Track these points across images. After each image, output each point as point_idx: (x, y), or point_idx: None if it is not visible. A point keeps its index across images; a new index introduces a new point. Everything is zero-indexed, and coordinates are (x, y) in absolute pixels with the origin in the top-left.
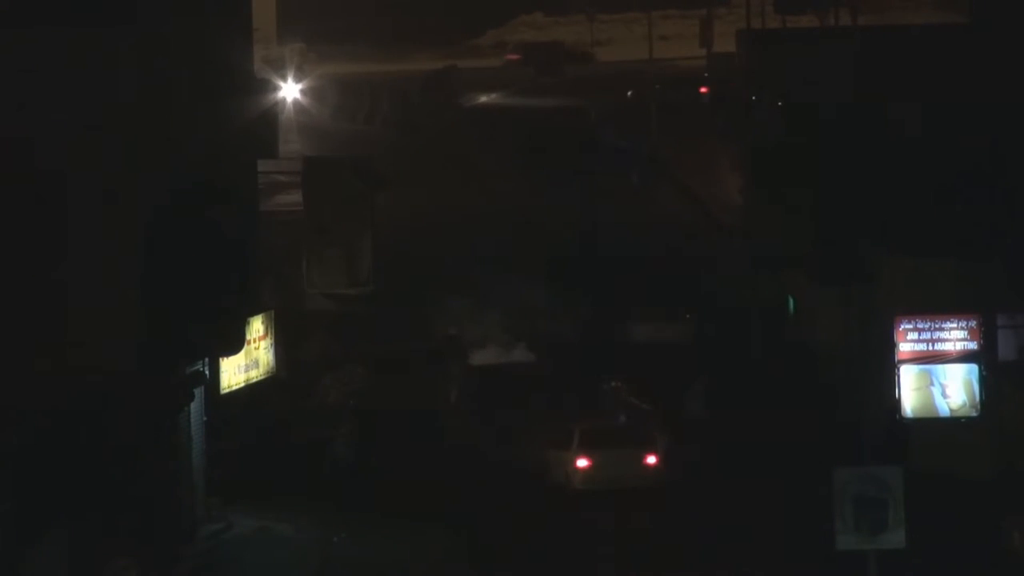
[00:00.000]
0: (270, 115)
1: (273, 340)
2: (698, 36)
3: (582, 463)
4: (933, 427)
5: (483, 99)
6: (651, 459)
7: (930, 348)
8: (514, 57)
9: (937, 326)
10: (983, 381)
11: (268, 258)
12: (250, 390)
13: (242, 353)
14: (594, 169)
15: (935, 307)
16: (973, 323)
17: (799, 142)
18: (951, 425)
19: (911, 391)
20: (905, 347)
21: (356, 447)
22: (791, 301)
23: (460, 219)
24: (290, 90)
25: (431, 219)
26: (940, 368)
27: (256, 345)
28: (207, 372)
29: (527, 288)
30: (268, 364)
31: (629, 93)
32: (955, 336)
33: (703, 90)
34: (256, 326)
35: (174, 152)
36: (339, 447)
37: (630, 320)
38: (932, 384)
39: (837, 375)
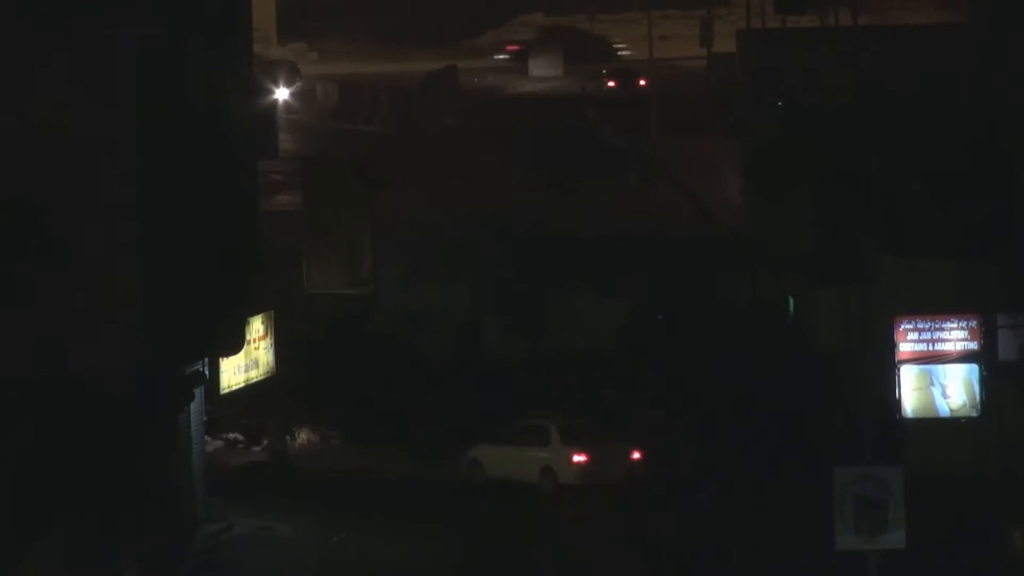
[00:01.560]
0: (269, 115)
1: (273, 340)
2: (698, 36)
3: (578, 458)
4: (933, 427)
5: (482, 99)
6: (636, 455)
7: (930, 348)
8: (513, 48)
9: (937, 326)
10: (983, 381)
11: (268, 258)
12: (249, 390)
13: (242, 353)
14: (591, 168)
15: (935, 307)
16: (973, 323)
17: (799, 142)
18: (951, 425)
19: (911, 391)
20: (905, 347)
21: (283, 443)
22: (791, 301)
23: (457, 218)
24: (289, 90)
25: (430, 218)
26: (940, 368)
27: (256, 345)
28: (207, 372)
29: (521, 285)
30: (268, 364)
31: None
32: (955, 336)
33: (611, 83)
34: (256, 326)
35: (175, 151)
36: (272, 442)
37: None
38: (932, 384)
39: (837, 375)
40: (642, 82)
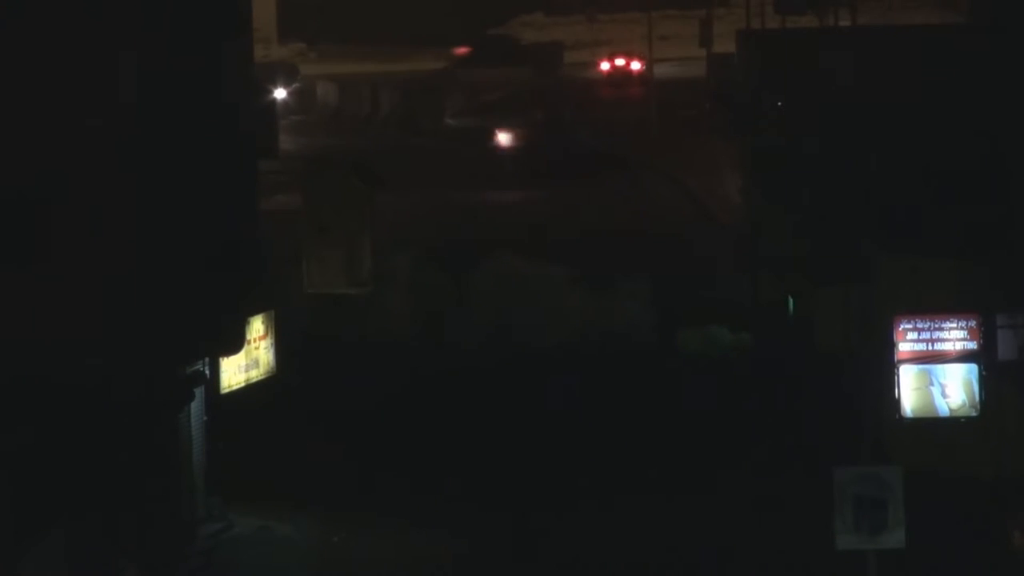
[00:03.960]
0: (269, 115)
1: (273, 340)
2: (698, 36)
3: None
4: (933, 427)
5: (480, 99)
6: None
7: (929, 348)
8: (462, 51)
9: (937, 326)
10: (983, 381)
11: (268, 258)
12: (248, 390)
13: (242, 353)
14: (571, 170)
15: (935, 307)
16: (973, 323)
17: (799, 142)
18: (951, 425)
19: (910, 391)
20: (904, 347)
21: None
22: (791, 301)
23: (455, 217)
24: (289, 90)
25: (429, 218)
26: (940, 368)
27: (256, 345)
28: (207, 372)
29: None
30: (268, 364)
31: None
32: (955, 336)
33: (603, 66)
34: (256, 326)
35: (174, 151)
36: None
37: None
38: (932, 384)
39: (835, 375)
40: (636, 65)
